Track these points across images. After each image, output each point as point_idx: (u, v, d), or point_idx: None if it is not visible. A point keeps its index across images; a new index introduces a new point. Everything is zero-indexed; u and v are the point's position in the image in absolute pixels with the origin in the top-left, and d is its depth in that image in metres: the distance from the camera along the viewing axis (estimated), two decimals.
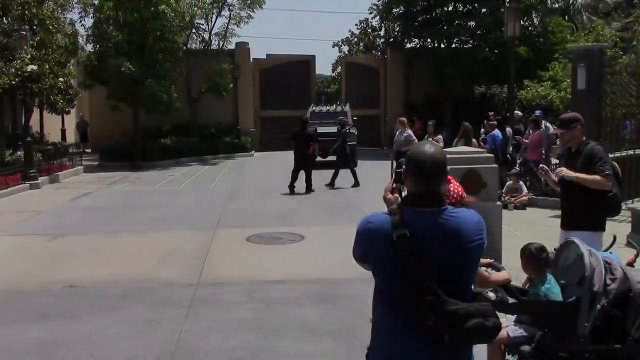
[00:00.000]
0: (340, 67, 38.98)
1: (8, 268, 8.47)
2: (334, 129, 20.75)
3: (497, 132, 13.45)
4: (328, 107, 24.91)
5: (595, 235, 4.94)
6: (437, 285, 2.37)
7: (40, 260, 8.88)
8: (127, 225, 11.46)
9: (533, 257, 4.17)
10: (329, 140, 20.57)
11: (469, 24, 28.56)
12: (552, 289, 3.94)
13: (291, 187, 15.19)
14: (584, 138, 5.25)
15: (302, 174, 15.41)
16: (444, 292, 2.37)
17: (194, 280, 7.61)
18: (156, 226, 11.32)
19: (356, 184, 16.22)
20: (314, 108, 24.68)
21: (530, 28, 28.57)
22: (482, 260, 3.77)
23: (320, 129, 20.98)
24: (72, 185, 18.67)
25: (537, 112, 14.95)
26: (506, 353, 4.18)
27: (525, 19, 26.68)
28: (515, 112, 17.41)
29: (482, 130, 13.60)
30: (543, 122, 14.04)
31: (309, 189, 15.36)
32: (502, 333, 4.05)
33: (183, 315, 6.27)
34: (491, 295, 3.49)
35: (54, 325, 6.08)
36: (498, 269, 3.50)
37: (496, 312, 2.52)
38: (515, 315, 4.14)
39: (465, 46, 29.05)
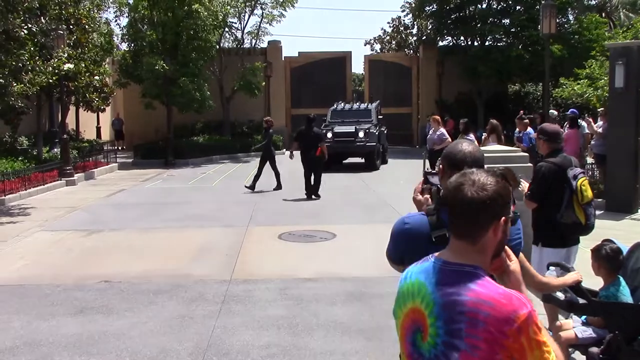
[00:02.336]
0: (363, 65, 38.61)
1: (46, 263, 8.65)
2: (351, 129, 20.40)
3: (531, 130, 13.27)
4: (350, 105, 23.73)
5: (542, 251, 5.12)
6: None
7: (76, 256, 9.05)
8: (161, 222, 11.60)
9: (608, 258, 4.03)
10: (346, 141, 20.41)
11: (503, 21, 28.25)
12: (623, 291, 3.86)
13: (308, 192, 14.38)
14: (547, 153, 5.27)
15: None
16: None
17: (227, 277, 7.67)
18: (189, 223, 11.43)
19: (278, 186, 15.60)
20: (336, 106, 23.60)
21: (566, 25, 28.13)
22: (551, 262, 3.71)
23: (338, 129, 20.67)
24: (107, 182, 18.98)
25: (571, 111, 14.71)
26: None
27: (561, 16, 26.27)
28: (551, 111, 17.14)
29: (517, 129, 13.41)
30: (579, 120, 13.81)
31: (314, 193, 14.39)
32: (570, 333, 3.99)
33: (216, 312, 6.33)
34: (560, 295, 3.42)
35: (91, 319, 6.19)
36: (567, 270, 3.41)
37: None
38: (583, 316, 4.06)
39: (498, 44, 28.72)
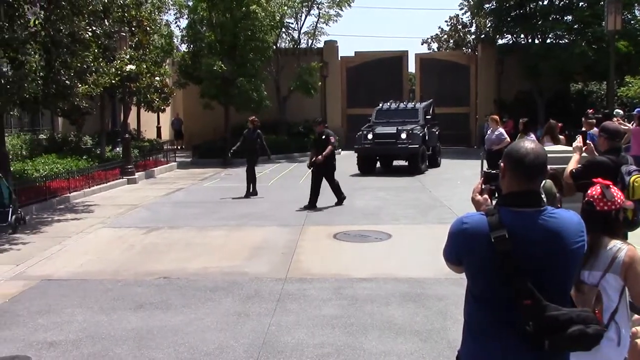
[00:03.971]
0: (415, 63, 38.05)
1: (108, 259, 8.91)
2: (393, 130, 19.31)
3: (597, 130, 12.85)
4: (396, 105, 22.01)
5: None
6: (536, 289, 2.28)
7: (137, 252, 9.28)
8: (218, 220, 11.78)
9: None
10: (387, 143, 19.36)
11: (565, 18, 27.52)
12: None
13: (311, 204, 12.96)
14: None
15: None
16: (542, 295, 2.28)
17: (282, 275, 7.72)
18: (245, 222, 11.56)
19: (254, 192, 14.77)
20: (381, 105, 22.20)
21: (632, 22, 27.19)
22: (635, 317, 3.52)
23: (379, 130, 19.71)
24: (167, 180, 19.42)
25: (637, 110, 14.20)
26: None
27: (626, 12, 25.40)
28: (616, 110, 16.60)
29: (583, 129, 13.03)
30: None
31: (339, 199, 13.28)
32: None
33: (271, 310, 6.37)
34: None
35: (150, 314, 6.33)
36: None
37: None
38: None
39: (560, 41, 27.99)
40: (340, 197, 13.28)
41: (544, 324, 2.26)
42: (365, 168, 19.80)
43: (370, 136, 19.60)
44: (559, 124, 11.75)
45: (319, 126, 13.27)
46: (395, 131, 19.21)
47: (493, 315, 2.40)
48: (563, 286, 2.40)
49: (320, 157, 12.74)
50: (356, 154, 20.22)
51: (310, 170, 13.34)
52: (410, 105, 22.12)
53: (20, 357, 5.26)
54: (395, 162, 21.08)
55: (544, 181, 4.40)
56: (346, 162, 20.29)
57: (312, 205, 12.83)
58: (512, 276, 2.30)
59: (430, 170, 20.51)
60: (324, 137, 12.97)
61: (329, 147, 12.82)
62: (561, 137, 11.21)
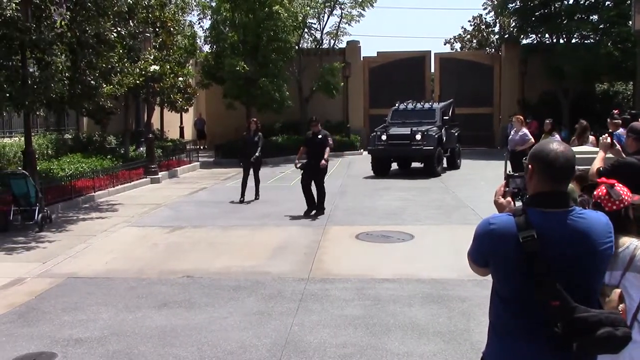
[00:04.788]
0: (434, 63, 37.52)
1: (132, 257, 9.00)
2: (407, 131, 18.64)
3: (622, 130, 12.67)
4: (413, 105, 21.12)
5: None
6: (564, 290, 2.26)
7: (160, 251, 9.36)
8: (240, 220, 11.83)
9: None
10: (401, 144, 18.71)
11: (590, 17, 27.17)
12: None
13: (309, 210, 12.18)
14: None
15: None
16: (570, 297, 2.26)
17: (305, 275, 7.73)
18: (267, 221, 11.59)
19: (257, 197, 14.24)
20: (397, 105, 21.44)
21: None
22: None
23: (393, 131, 19.15)
24: (190, 180, 19.56)
25: None
26: None
27: None
28: None
29: (610, 130, 12.88)
30: None
31: (320, 209, 12.15)
32: None
33: (294, 309, 6.39)
34: None
35: (173, 313, 6.39)
36: None
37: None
38: None
39: (586, 42, 27.65)
40: (323, 207, 12.17)
41: (573, 325, 2.24)
42: (380, 170, 19.35)
43: (384, 137, 19.12)
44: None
45: (315, 125, 12.33)
46: (409, 132, 18.61)
47: (520, 316, 2.38)
48: (591, 287, 2.38)
49: (323, 160, 11.89)
50: (370, 156, 19.80)
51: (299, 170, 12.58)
52: (427, 105, 21.21)
53: (47, 354, 5.34)
54: (413, 164, 20.61)
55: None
56: (367, 163, 20.27)
57: (311, 210, 12.10)
58: (540, 277, 2.28)
59: (452, 171, 20.37)
60: (320, 136, 12.10)
61: (327, 148, 12.09)
62: (591, 137, 11.08)
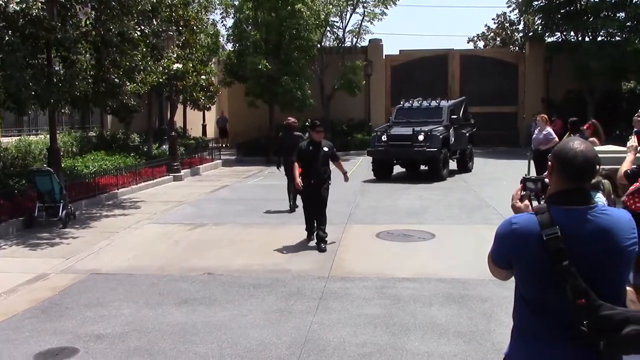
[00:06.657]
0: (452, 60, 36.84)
1: (154, 254, 9.07)
2: (408, 131, 17.22)
3: None
4: (418, 103, 19.58)
5: None
6: (589, 288, 2.23)
7: (182, 248, 9.42)
8: (261, 218, 11.86)
9: None
10: (402, 145, 17.36)
11: (617, 15, 26.76)
12: None
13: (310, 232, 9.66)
14: None
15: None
16: (596, 294, 2.22)
17: (325, 273, 7.73)
18: (288, 219, 11.61)
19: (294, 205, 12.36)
20: (402, 104, 19.98)
21: None
22: None
23: (394, 131, 17.79)
24: (212, 177, 19.66)
25: None
26: None
27: None
28: None
29: (636, 128, 12.68)
30: None
31: (321, 240, 9.17)
32: None
33: (314, 308, 6.39)
34: None
35: (194, 310, 6.42)
36: None
37: None
38: None
39: (612, 39, 27.23)
40: (325, 241, 9.16)
41: (599, 323, 2.20)
42: (380, 173, 18.07)
43: (384, 138, 17.69)
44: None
45: (318, 133, 9.46)
46: (411, 132, 17.17)
47: (545, 316, 2.35)
48: (616, 285, 2.34)
49: (345, 175, 10.17)
50: (370, 158, 18.52)
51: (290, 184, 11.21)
52: (434, 103, 19.40)
53: (69, 349, 5.40)
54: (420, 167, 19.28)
55: (603, 181, 4.30)
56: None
57: (312, 236, 9.61)
58: (565, 275, 2.24)
59: (475, 170, 20.19)
60: (326, 148, 9.47)
61: (339, 161, 10.11)
62: (593, 138, 10.94)
